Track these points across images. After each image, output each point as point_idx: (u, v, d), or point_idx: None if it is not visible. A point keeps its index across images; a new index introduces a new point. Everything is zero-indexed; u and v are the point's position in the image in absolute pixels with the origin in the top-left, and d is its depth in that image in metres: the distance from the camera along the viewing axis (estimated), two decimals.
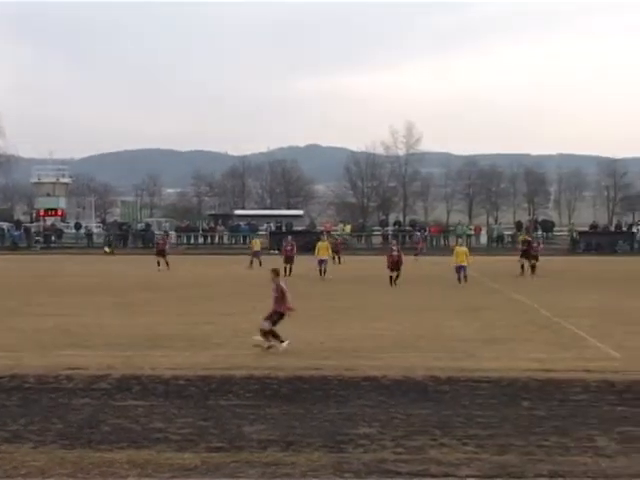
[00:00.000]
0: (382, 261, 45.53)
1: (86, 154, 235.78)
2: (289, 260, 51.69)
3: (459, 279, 43.84)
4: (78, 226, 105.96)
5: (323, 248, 50.89)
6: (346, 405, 16.07)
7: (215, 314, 30.30)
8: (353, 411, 15.51)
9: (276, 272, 24.57)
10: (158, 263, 54.66)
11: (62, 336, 24.88)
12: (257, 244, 62.16)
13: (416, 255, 64.60)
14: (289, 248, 53.83)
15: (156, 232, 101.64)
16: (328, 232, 65.40)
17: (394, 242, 50.84)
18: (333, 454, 12.51)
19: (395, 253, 43.58)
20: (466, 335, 25.33)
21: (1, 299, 35.77)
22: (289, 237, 57.33)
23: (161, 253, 55.68)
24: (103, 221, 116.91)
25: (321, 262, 49.79)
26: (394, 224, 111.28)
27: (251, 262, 57.72)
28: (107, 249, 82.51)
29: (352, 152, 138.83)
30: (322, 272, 49.35)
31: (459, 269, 44.29)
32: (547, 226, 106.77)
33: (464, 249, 46.13)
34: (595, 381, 18.41)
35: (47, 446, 13.05)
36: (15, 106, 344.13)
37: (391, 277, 43.13)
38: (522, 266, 49.66)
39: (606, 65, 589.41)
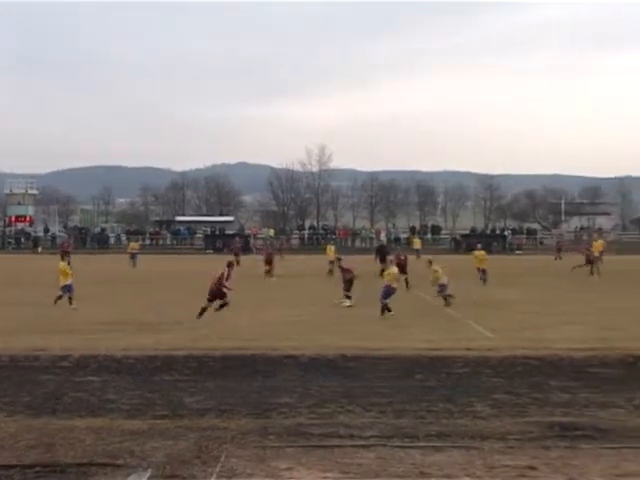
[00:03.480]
0: (302, 260, 45.55)
1: (51, 169, 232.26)
2: (238, 255, 52.30)
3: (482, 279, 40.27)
4: (47, 230, 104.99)
5: (330, 250, 49.51)
6: (270, 379, 16.07)
7: (159, 303, 30.08)
8: (276, 384, 15.52)
9: (230, 263, 27.99)
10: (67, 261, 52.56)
11: (30, 323, 24.54)
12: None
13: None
14: (237, 245, 54.59)
15: (110, 235, 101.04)
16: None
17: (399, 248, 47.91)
18: (259, 420, 12.50)
19: (402, 257, 39.11)
20: (366, 320, 25.45)
21: None
22: (237, 237, 56.90)
23: (66, 254, 53.93)
24: (65, 226, 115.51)
25: (333, 262, 47.47)
26: (309, 228, 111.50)
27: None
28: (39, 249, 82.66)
29: (274, 168, 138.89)
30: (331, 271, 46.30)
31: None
32: (436, 230, 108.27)
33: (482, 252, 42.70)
34: (474, 357, 18.64)
35: (17, 415, 12.89)
36: None
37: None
38: None
39: (479, 96, 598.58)
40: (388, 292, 27.05)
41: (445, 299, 30.74)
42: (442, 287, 31.30)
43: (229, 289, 26.37)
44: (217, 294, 26.34)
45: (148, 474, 9.71)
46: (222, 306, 26.32)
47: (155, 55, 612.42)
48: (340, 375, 16.49)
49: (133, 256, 55.42)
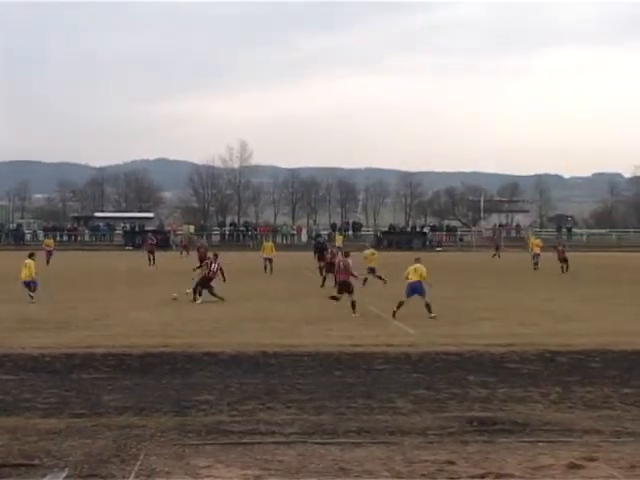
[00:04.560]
0: (223, 256, 45.22)
1: None
2: (152, 252, 51.94)
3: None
4: None
5: (268, 247, 49.15)
6: (190, 376, 15.99)
7: (77, 301, 29.74)
8: (196, 381, 15.45)
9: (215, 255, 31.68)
10: None
11: None
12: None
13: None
14: (150, 242, 54.19)
15: (26, 231, 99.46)
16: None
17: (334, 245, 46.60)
18: (178, 417, 12.43)
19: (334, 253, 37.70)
20: (291, 317, 25.48)
21: None
22: (150, 234, 56.47)
23: None
24: None
25: (266, 259, 47.66)
26: (230, 225, 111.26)
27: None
28: None
29: (195, 164, 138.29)
30: (266, 268, 47.05)
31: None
32: (356, 227, 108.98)
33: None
34: (395, 353, 18.77)
35: None
36: None
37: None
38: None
39: (397, 95, 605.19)
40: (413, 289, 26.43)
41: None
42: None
43: (355, 277, 28.44)
44: (346, 287, 27.33)
45: (65, 474, 9.60)
46: (353, 304, 26.74)
47: (74, 50, 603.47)
48: (261, 372, 16.47)
49: (48, 253, 54.49)
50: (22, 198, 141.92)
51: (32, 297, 30.29)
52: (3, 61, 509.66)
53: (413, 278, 26.36)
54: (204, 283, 30.85)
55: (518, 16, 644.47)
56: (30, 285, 30.85)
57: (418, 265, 26.76)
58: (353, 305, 26.67)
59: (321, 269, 40.34)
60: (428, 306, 25.68)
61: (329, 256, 38.63)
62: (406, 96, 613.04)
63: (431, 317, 25.08)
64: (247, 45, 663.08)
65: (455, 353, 18.86)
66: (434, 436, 11.42)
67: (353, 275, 27.98)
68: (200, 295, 30.43)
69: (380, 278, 36.67)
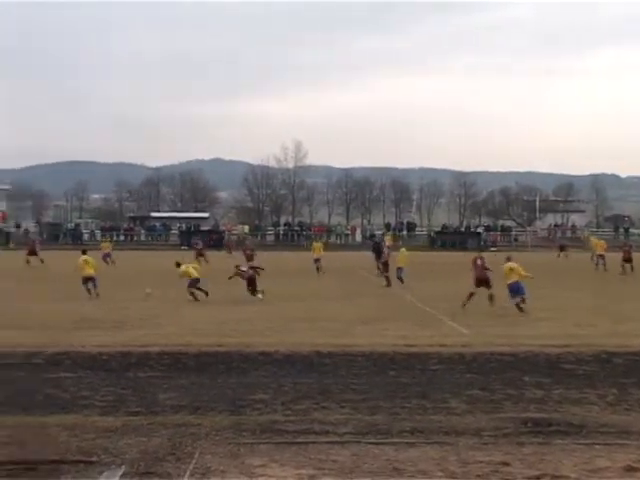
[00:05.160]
0: (276, 255, 45.50)
1: (25, 164, 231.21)
2: (202, 255, 52.16)
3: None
4: (18, 225, 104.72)
5: (317, 248, 49.18)
6: (245, 375, 16.05)
7: (131, 300, 29.99)
8: (250, 380, 15.49)
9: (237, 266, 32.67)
10: (28, 261, 52.07)
11: (3, 318, 24.38)
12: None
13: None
14: (196, 246, 54.49)
15: (83, 231, 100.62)
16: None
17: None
18: (233, 416, 12.48)
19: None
20: (345, 317, 25.46)
21: None
22: (196, 239, 56.39)
23: (32, 252, 53.66)
24: (38, 222, 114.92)
25: (315, 260, 47.49)
26: (284, 225, 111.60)
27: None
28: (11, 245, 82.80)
29: (250, 165, 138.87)
30: (318, 269, 46.72)
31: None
32: (410, 227, 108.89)
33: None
34: (449, 353, 18.67)
35: None
36: None
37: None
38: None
39: (454, 94, 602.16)
40: (516, 289, 26.64)
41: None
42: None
43: (491, 270, 28.96)
44: (484, 281, 27.98)
45: (122, 471, 9.69)
46: (491, 297, 27.60)
47: (130, 52, 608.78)
48: (315, 372, 16.48)
49: (106, 255, 54.60)
50: (80, 198, 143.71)
51: (91, 293, 30.85)
52: (63, 63, 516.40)
53: (512, 279, 26.29)
54: (251, 283, 31.21)
55: (569, 15, 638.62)
56: (89, 281, 31.50)
57: (514, 265, 26.65)
58: (491, 298, 27.72)
59: (380, 268, 40.33)
60: (519, 305, 25.78)
61: (385, 256, 38.76)
62: (459, 95, 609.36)
63: (522, 314, 25.79)
64: (301, 45, 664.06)
65: (510, 353, 18.71)
66: (489, 437, 11.35)
67: (489, 270, 28.71)
68: (262, 293, 30.80)
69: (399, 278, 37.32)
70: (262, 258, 47.92)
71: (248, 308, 27.81)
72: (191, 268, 31.40)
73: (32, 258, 52.45)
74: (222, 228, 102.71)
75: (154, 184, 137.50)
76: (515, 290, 26.38)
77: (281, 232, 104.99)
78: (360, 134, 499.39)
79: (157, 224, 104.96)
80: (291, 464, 9.97)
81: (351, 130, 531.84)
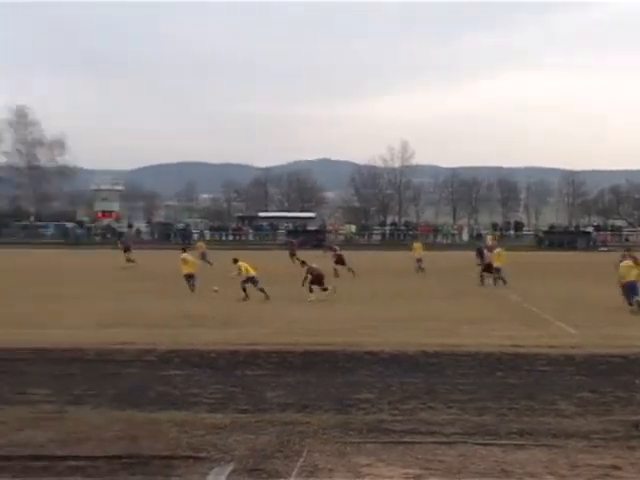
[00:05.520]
0: (383, 255, 45.43)
1: (136, 166, 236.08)
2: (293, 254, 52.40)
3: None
4: (130, 225, 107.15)
5: (417, 248, 49.17)
6: (351, 375, 16.06)
7: (233, 299, 30.27)
8: (356, 379, 15.51)
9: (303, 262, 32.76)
10: (128, 259, 52.56)
11: (114, 316, 24.92)
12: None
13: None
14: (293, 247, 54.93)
15: (193, 231, 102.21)
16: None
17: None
18: (340, 415, 12.51)
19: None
20: (450, 317, 25.29)
21: (69, 287, 35.87)
22: (290, 239, 56.36)
23: (127, 250, 54.24)
24: (149, 222, 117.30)
25: (418, 260, 47.39)
26: (391, 224, 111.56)
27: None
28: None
29: (356, 165, 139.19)
30: (422, 269, 46.57)
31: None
32: (518, 226, 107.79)
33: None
34: (557, 355, 18.38)
35: (103, 407, 13.10)
36: (77, 126, 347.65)
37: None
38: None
39: (560, 93, 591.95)
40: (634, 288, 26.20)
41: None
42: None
43: None
44: None
45: (231, 467, 9.79)
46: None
47: (237, 54, 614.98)
48: (421, 371, 16.41)
49: (202, 254, 54.98)
50: (189, 198, 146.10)
51: (193, 290, 32.24)
52: (174, 64, 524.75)
53: (628, 278, 25.78)
54: (319, 281, 31.48)
55: None
56: (191, 278, 32.62)
57: (631, 263, 26.09)
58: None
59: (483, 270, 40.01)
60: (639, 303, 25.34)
61: (487, 258, 38.47)
62: (568, 93, 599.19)
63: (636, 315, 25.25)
64: (407, 45, 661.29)
65: (620, 355, 18.32)
66: (599, 440, 11.13)
67: None
68: (329, 290, 31.19)
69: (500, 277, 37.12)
70: (367, 257, 47.94)
71: (353, 307, 27.83)
72: (248, 266, 31.94)
73: (125, 256, 53.28)
74: (329, 228, 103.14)
75: (262, 184, 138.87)
76: (633, 289, 25.73)
77: (387, 232, 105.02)
78: (467, 133, 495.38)
79: (264, 224, 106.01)
80: (398, 463, 9.94)
81: (458, 129, 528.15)
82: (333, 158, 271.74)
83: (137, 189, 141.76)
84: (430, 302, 29.87)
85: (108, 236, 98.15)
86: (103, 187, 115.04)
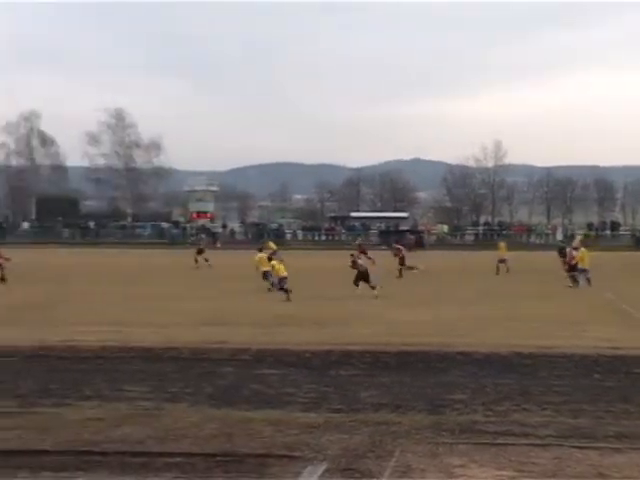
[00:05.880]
0: (476, 255, 45.11)
1: (230, 167, 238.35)
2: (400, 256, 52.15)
3: None
4: (224, 225, 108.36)
5: (502, 248, 48.44)
6: (444, 375, 16.00)
7: (329, 299, 30.36)
8: (450, 380, 15.43)
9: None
10: (196, 260, 52.50)
11: (208, 316, 25.22)
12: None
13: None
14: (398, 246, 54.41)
15: (286, 231, 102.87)
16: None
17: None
18: (433, 416, 12.46)
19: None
20: (545, 317, 24.99)
21: (165, 286, 36.48)
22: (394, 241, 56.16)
23: (201, 252, 54.05)
24: (243, 222, 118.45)
25: (502, 260, 46.66)
26: (484, 224, 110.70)
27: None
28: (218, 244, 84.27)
29: (448, 164, 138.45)
30: (500, 269, 45.87)
31: None
32: (615, 226, 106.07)
33: None
34: None
35: (199, 405, 13.27)
36: (173, 127, 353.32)
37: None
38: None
39: None
40: None
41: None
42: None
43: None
44: None
45: (324, 467, 9.83)
46: None
47: (332, 54, 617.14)
48: (515, 372, 16.25)
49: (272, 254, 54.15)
50: (283, 199, 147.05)
51: (270, 290, 33.21)
52: (268, 66, 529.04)
53: None
54: (364, 277, 32.34)
55: None
56: (269, 277, 33.60)
57: None
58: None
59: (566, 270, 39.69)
60: None
61: (572, 257, 38.00)
62: None
63: None
64: (498, 44, 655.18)
65: None
66: None
67: None
68: (376, 288, 31.65)
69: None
70: (459, 257, 47.58)
71: (445, 307, 27.69)
72: (281, 266, 32.62)
73: (200, 257, 53.41)
74: (421, 228, 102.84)
75: (354, 184, 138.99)
76: None
77: (480, 232, 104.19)
78: (562, 132, 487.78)
79: (357, 224, 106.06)
80: (491, 465, 9.87)
81: (552, 128, 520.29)
82: (425, 158, 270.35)
83: (231, 190, 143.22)
84: (521, 302, 29.56)
85: (202, 236, 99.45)
86: (198, 188, 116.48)
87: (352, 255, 34.83)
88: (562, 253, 43.82)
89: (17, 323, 23.93)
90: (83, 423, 11.88)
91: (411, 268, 43.58)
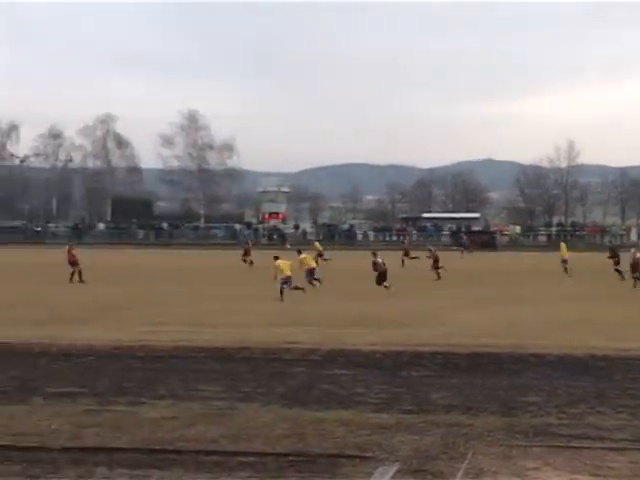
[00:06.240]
0: (548, 256, 44.61)
1: (302, 168, 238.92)
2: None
3: None
4: (296, 226, 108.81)
5: (563, 248, 48.21)
6: (516, 377, 15.84)
7: (398, 299, 30.27)
8: (522, 382, 15.28)
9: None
10: (244, 261, 53.52)
11: (283, 317, 25.33)
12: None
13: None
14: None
15: (357, 232, 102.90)
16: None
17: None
18: (505, 418, 12.34)
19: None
20: (616, 319, 24.62)
21: (240, 286, 36.74)
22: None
23: (247, 253, 54.79)
24: (315, 223, 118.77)
25: (564, 261, 46.71)
26: (557, 225, 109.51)
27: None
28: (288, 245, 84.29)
29: (521, 165, 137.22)
30: (566, 270, 45.68)
31: None
32: None
33: None
34: None
35: (271, 405, 13.30)
36: (244, 129, 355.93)
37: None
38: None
39: None
40: None
41: None
42: None
43: None
44: None
45: (396, 467, 9.80)
46: None
47: (395, 55, 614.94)
48: (589, 375, 16.03)
49: (318, 255, 52.96)
50: (354, 200, 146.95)
51: (313, 285, 34.89)
52: (342, 67, 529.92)
53: None
54: (383, 277, 34.02)
55: None
56: (287, 282, 32.47)
57: None
58: None
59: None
60: None
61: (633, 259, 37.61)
62: None
63: None
64: (570, 45, 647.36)
65: None
66: None
67: None
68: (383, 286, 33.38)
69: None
70: (531, 258, 47.01)
71: (518, 309, 27.46)
72: (285, 266, 32.89)
73: (247, 259, 53.76)
74: (494, 228, 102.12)
75: (426, 185, 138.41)
76: None
77: (554, 232, 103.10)
78: (635, 131, 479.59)
79: (428, 225, 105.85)
80: (565, 468, 9.73)
81: (626, 128, 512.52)
82: (496, 158, 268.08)
83: (302, 191, 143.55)
84: (595, 303, 29.25)
85: (274, 237, 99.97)
86: (270, 189, 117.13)
87: (374, 255, 35.52)
88: (614, 254, 43.25)
89: (94, 322, 24.32)
90: (157, 422, 12.00)
91: (439, 268, 43.16)
